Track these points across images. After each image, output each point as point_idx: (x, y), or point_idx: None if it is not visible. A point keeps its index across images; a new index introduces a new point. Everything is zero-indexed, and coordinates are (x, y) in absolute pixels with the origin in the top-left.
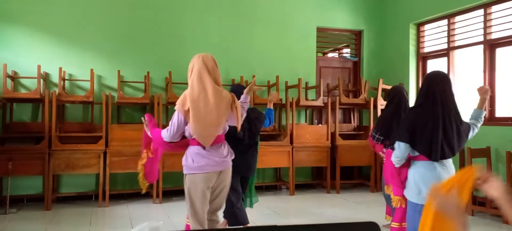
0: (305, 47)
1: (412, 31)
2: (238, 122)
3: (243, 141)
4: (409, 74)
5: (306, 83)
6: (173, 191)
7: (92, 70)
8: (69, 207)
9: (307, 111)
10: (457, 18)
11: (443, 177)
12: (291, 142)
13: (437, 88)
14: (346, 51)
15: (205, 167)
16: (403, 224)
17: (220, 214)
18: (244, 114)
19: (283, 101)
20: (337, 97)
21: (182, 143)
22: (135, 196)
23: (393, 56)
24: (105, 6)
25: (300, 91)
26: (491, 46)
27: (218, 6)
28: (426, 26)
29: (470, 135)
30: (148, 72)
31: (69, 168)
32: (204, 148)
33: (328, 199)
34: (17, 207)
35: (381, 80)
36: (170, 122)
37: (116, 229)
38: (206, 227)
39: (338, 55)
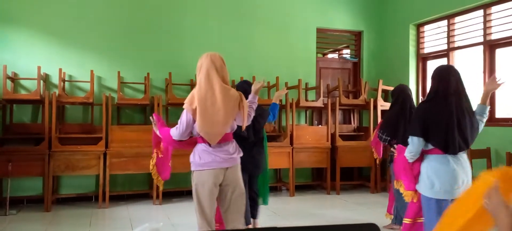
0: (305, 48)
1: (412, 32)
2: (244, 120)
3: (247, 139)
4: (409, 75)
5: (306, 84)
6: (173, 192)
7: (92, 71)
8: (69, 208)
9: (307, 112)
10: (457, 19)
11: (457, 171)
12: (291, 143)
13: (448, 81)
14: (346, 52)
15: (211, 164)
16: (417, 219)
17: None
18: (252, 114)
19: (283, 102)
20: (337, 98)
21: (191, 140)
22: (135, 197)
23: (393, 57)
24: (105, 7)
25: (300, 92)
26: (491, 46)
27: (218, 7)
28: (426, 27)
29: (479, 129)
30: (148, 73)
31: (69, 169)
32: (210, 145)
33: (328, 200)
34: (17, 208)
35: (381, 81)
36: (179, 121)
37: (116, 230)
38: (214, 228)
39: (338, 56)
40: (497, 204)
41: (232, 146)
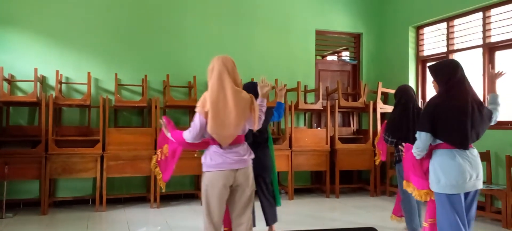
0: (304, 50)
1: (412, 35)
2: (254, 123)
3: (247, 139)
4: (409, 78)
5: (305, 86)
6: (171, 195)
7: (89, 73)
8: (65, 212)
9: (306, 115)
10: (457, 21)
11: (463, 166)
12: (290, 146)
13: (457, 75)
14: (345, 54)
15: (222, 165)
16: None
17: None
18: (263, 117)
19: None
20: (336, 101)
21: (202, 142)
22: (133, 200)
23: (392, 59)
24: (102, 9)
25: (299, 94)
26: (490, 49)
27: (217, 8)
28: (426, 29)
29: (493, 118)
30: (145, 76)
31: (66, 172)
32: (221, 147)
33: (327, 204)
34: (13, 212)
35: (380, 84)
36: (191, 123)
37: None
38: None
39: (337, 58)
40: None
41: (243, 148)
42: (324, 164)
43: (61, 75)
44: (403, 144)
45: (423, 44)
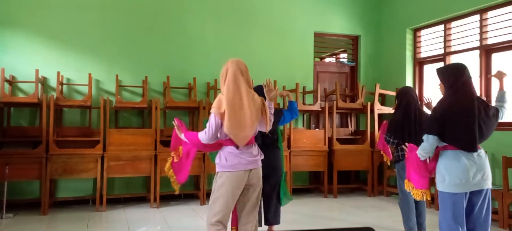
0: (302, 52)
1: (409, 37)
2: (266, 125)
3: (256, 140)
4: (406, 79)
5: (304, 88)
6: (171, 195)
7: (90, 74)
8: (66, 212)
9: (305, 116)
10: (454, 24)
11: (467, 166)
12: (289, 147)
13: (463, 77)
14: (343, 56)
15: (237, 166)
16: None
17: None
18: (272, 119)
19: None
20: (334, 102)
21: (216, 143)
22: (133, 200)
23: (390, 61)
24: (103, 11)
25: (298, 96)
26: (487, 51)
27: (216, 11)
28: (423, 32)
29: (500, 116)
30: (146, 77)
31: (66, 173)
32: (237, 147)
33: (325, 204)
34: (14, 212)
35: (378, 85)
36: (207, 125)
37: None
38: None
39: (335, 60)
40: None
41: (255, 148)
42: (322, 164)
43: (62, 76)
44: (406, 144)
45: (420, 47)
